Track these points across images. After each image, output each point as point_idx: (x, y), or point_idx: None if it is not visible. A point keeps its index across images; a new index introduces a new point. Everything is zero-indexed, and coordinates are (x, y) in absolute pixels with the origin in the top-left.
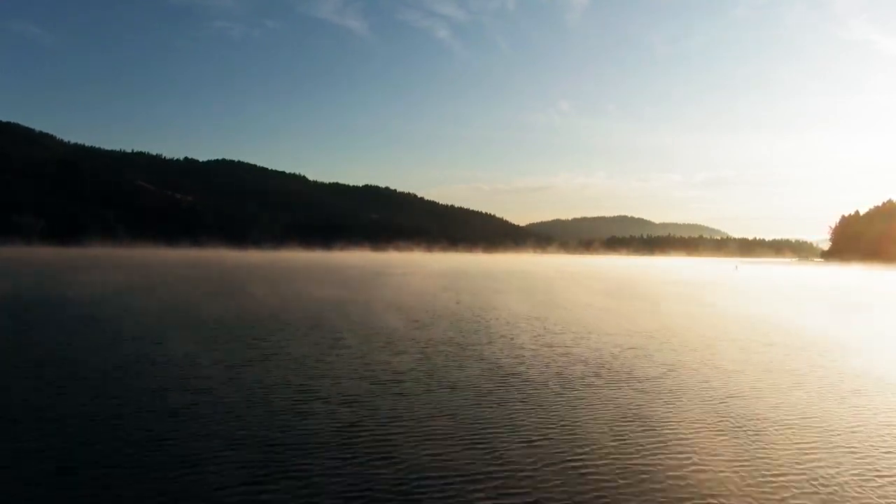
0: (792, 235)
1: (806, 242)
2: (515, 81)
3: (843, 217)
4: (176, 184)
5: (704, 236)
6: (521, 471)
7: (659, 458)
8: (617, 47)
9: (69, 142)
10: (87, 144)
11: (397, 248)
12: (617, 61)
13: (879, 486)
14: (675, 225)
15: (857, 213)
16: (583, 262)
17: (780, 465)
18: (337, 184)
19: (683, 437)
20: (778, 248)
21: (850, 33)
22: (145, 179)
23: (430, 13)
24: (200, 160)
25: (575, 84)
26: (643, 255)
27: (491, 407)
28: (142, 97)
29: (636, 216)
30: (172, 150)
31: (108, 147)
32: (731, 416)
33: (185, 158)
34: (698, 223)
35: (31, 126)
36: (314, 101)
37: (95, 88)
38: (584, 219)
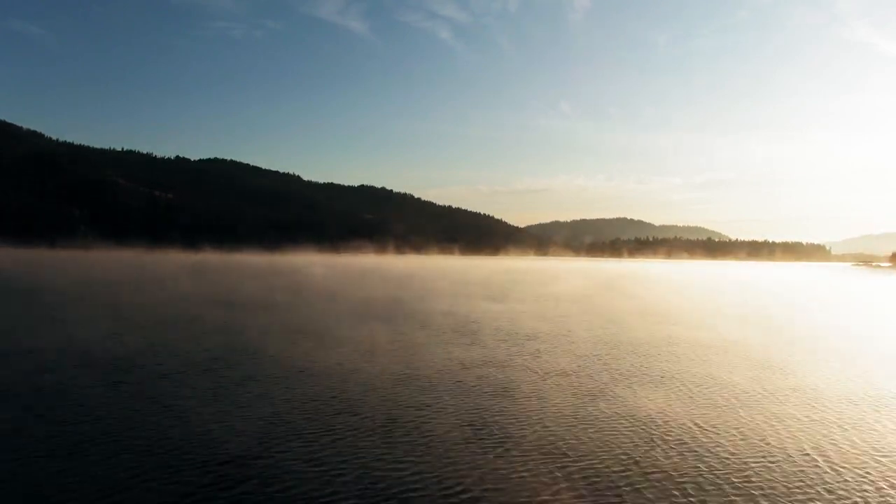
0: (793, 237)
1: (815, 245)
2: (516, 83)
3: None
4: (165, 183)
5: (713, 239)
6: None
7: None
8: (618, 49)
9: (57, 140)
10: (76, 143)
11: (382, 251)
12: (618, 63)
13: None
14: (676, 227)
15: None
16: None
17: None
18: (332, 184)
19: None
20: (800, 251)
21: (852, 34)
22: (129, 177)
23: (432, 14)
24: (192, 159)
25: (576, 86)
26: (648, 257)
27: None
28: (139, 96)
29: (636, 218)
30: (166, 149)
31: (99, 146)
32: None
33: (177, 157)
34: (699, 225)
35: (25, 124)
36: (313, 101)
37: (92, 87)
38: (584, 220)
